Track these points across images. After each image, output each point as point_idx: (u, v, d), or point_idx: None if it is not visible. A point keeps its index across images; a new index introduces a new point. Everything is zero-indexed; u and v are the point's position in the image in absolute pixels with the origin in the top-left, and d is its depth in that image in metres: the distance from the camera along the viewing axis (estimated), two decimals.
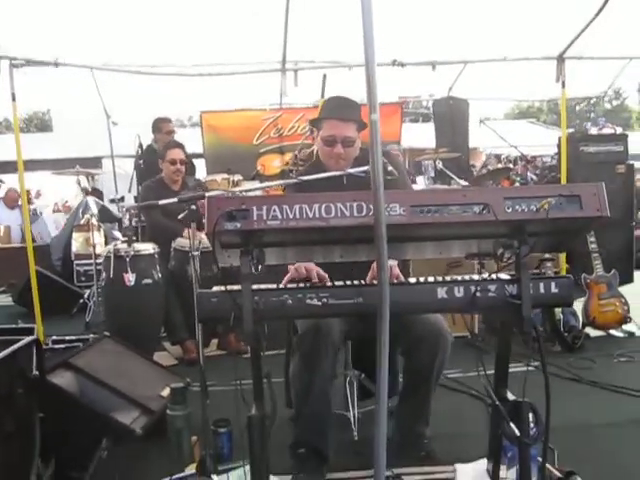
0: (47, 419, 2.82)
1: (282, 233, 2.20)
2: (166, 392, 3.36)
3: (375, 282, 2.72)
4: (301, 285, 2.47)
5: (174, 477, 2.81)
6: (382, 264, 2.00)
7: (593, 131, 7.21)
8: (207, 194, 2.93)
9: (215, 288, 2.41)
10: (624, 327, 5.29)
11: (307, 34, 5.61)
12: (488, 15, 5.68)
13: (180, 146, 5.50)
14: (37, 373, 2.84)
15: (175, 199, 3.25)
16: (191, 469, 2.90)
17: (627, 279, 6.39)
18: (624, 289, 5.49)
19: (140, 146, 6.11)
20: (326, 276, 2.75)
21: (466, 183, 6.14)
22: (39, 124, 47.90)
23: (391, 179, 2.75)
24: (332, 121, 3.15)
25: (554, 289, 2.38)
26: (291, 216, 2.15)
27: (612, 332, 5.28)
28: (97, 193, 12.04)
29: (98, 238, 8.30)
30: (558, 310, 4.86)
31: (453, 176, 5.97)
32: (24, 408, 2.71)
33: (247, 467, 2.40)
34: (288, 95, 6.37)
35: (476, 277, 2.43)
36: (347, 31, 5.68)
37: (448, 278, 2.46)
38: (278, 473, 2.74)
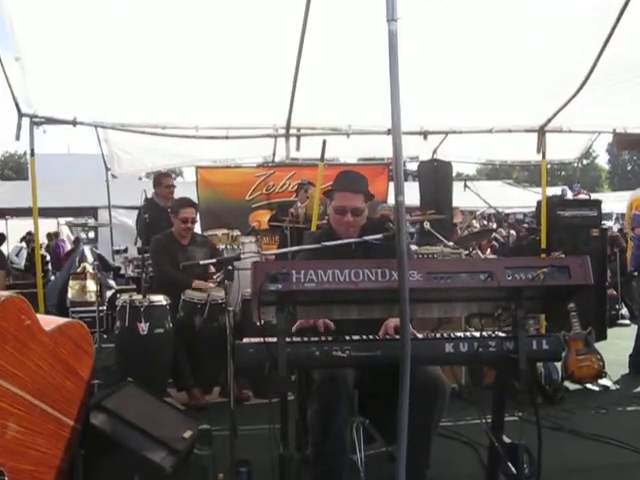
0: (87, 456, 3.12)
1: (315, 294, 2.56)
2: (187, 434, 3.65)
3: (388, 337, 3.10)
4: (325, 338, 2.84)
5: None
6: (405, 323, 2.37)
7: (569, 196, 7.70)
8: (245, 257, 3.27)
9: (246, 340, 2.76)
10: (600, 381, 5.62)
11: (309, 103, 6.02)
12: (474, 89, 6.12)
13: (193, 205, 5.84)
14: None
15: (214, 260, 3.60)
16: None
17: (601, 336, 6.78)
18: (598, 345, 5.84)
19: (146, 200, 6.40)
20: (331, 324, 3.08)
21: (451, 244, 6.52)
22: (15, 167, 47.69)
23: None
24: (343, 193, 3.51)
25: (545, 346, 2.77)
26: (325, 279, 2.51)
27: (589, 386, 5.62)
28: None
29: (93, 286, 8.58)
30: (539, 364, 5.22)
31: (441, 238, 6.36)
32: (73, 446, 3.02)
33: None
34: (290, 159, 6.79)
35: (477, 334, 2.79)
36: (345, 101, 6.11)
37: (453, 334, 2.84)
38: None
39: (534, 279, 2.55)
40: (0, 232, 11.96)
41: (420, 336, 2.92)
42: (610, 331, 7.53)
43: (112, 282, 8.88)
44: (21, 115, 5.58)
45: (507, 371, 2.84)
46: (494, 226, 11.90)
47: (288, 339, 2.67)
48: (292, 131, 6.40)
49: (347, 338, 2.76)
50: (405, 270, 2.35)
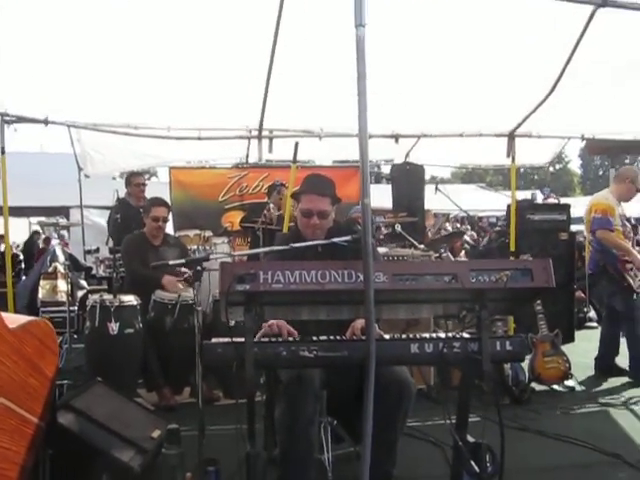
0: (55, 456, 3.11)
1: (282, 294, 2.59)
2: (156, 433, 3.66)
3: (355, 337, 3.14)
4: (293, 338, 2.87)
5: None
6: (370, 323, 2.41)
7: (539, 200, 7.80)
8: (214, 257, 3.29)
9: (214, 339, 2.77)
10: (566, 383, 5.70)
11: (281, 105, 6.06)
12: (445, 93, 6.20)
13: (165, 204, 5.83)
14: None
15: (183, 260, 3.62)
16: None
17: (568, 338, 6.90)
18: (565, 347, 5.93)
19: (118, 200, 6.39)
20: (295, 333, 3.11)
21: (422, 246, 6.58)
22: None
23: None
24: (309, 196, 3.57)
25: (508, 347, 2.81)
26: (292, 280, 2.53)
27: (555, 387, 5.70)
28: None
29: (64, 286, 8.52)
30: (507, 366, 5.29)
31: (412, 240, 6.42)
32: (39, 445, 3.01)
33: None
34: (264, 160, 6.82)
35: (443, 335, 2.83)
36: (317, 104, 6.14)
37: (419, 335, 2.88)
38: None
39: (497, 281, 2.59)
40: None
41: (387, 337, 2.96)
42: (578, 333, 7.66)
43: (83, 282, 8.83)
44: None
45: (472, 371, 2.89)
46: (467, 229, 12.04)
47: (256, 339, 2.69)
48: (264, 133, 6.45)
49: (314, 338, 2.79)
50: (370, 271, 2.38)
